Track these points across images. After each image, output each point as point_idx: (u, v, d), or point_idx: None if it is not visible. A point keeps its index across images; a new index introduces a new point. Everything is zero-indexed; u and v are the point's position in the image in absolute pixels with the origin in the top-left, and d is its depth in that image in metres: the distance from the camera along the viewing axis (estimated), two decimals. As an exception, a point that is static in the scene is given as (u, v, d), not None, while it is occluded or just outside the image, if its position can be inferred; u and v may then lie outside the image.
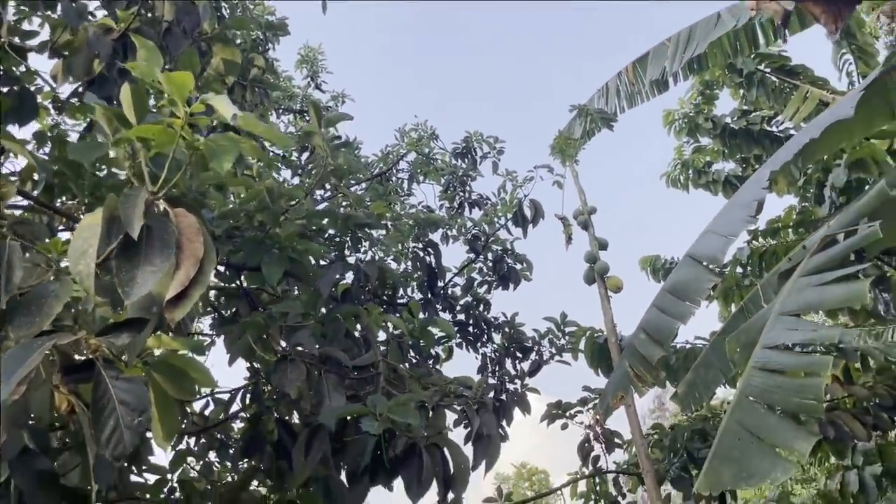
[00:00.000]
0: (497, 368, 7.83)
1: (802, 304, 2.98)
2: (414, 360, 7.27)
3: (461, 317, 8.08)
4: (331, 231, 5.40)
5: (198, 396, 4.82)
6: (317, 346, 3.39)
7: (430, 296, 7.96)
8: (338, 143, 4.27)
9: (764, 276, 6.42)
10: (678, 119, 10.62)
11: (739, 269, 7.40)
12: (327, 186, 6.95)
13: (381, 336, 6.06)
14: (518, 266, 7.76)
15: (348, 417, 3.23)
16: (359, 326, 4.51)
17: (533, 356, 7.82)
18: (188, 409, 4.94)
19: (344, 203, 5.68)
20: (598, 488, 7.16)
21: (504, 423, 7.57)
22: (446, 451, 3.07)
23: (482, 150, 9.65)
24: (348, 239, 5.54)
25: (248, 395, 3.95)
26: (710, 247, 4.03)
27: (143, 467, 3.99)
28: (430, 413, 3.21)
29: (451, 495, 3.00)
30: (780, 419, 2.74)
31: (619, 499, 7.12)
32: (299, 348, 3.42)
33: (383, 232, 8.38)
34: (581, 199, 6.74)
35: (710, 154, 10.71)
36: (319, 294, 3.64)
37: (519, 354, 7.88)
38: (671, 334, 4.30)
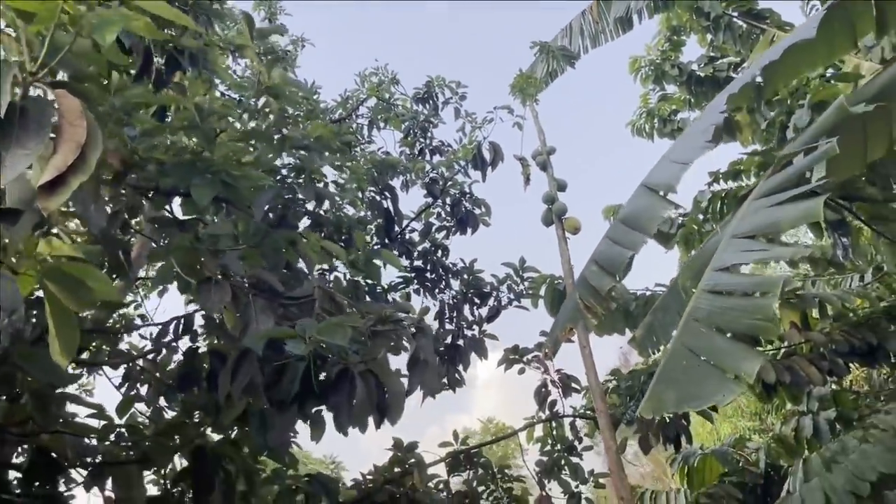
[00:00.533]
0: (455, 315, 7.72)
1: (756, 225, 2.85)
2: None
3: (419, 263, 7.93)
4: (283, 172, 5.15)
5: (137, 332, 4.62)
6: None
7: (387, 241, 7.78)
8: (273, 59, 3.98)
9: (724, 220, 6.33)
10: (644, 66, 10.43)
11: (700, 215, 7.32)
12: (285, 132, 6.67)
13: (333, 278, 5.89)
14: (477, 210, 7.59)
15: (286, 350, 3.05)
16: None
17: (491, 302, 7.71)
18: (131, 350, 4.73)
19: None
20: (554, 433, 7.13)
21: (461, 368, 7.49)
22: (382, 378, 2.91)
23: (444, 95, 9.36)
24: (301, 180, 5.30)
25: (181, 328, 3.75)
26: (665, 174, 3.88)
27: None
28: (367, 341, 3.04)
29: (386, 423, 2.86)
30: (728, 341, 2.62)
31: (576, 443, 7.10)
32: (236, 277, 3.21)
33: (340, 175, 8.14)
34: (540, 138, 6.56)
35: (675, 102, 10.58)
36: (252, 218, 3.43)
37: (477, 300, 7.77)
38: (623, 264, 4.17)
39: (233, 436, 4.19)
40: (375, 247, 7.99)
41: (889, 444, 5.45)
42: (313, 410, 2.94)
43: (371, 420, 3.56)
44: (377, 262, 3.94)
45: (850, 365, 7.98)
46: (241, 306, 2.92)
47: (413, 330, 3.15)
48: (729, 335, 2.62)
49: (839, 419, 8.23)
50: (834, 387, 8.87)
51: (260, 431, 3.10)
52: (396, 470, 7.06)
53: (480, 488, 7.22)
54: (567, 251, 5.91)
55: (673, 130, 10.38)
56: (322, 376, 2.89)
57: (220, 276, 2.91)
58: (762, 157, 6.33)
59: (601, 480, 6.63)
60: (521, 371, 7.15)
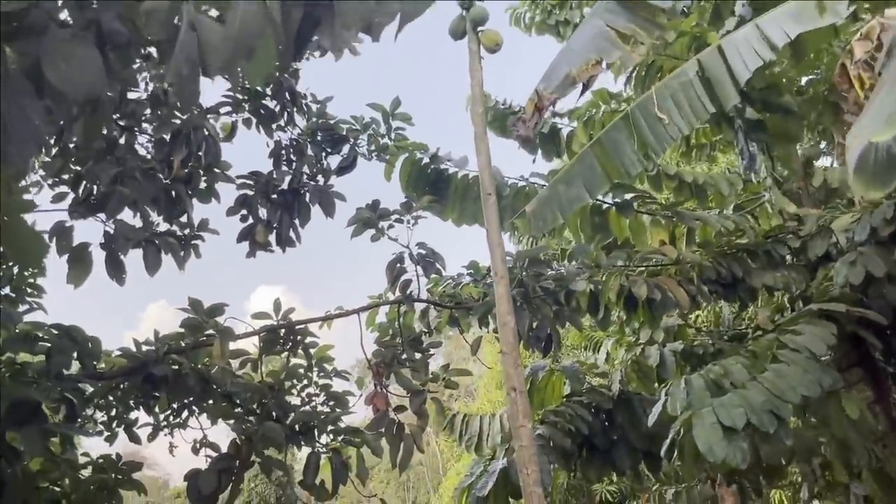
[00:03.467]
0: (296, 158, 5.94)
1: None
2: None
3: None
4: None
5: None
6: None
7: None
8: None
9: (652, 87, 5.20)
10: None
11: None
12: None
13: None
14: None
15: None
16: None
17: (345, 151, 6.04)
18: None
19: None
20: (401, 319, 5.69)
21: (298, 222, 5.77)
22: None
23: None
24: None
25: None
26: None
27: None
28: None
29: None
30: None
31: (424, 336, 5.72)
32: None
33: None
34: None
35: (560, -1, 9.36)
36: None
37: (328, 147, 6.04)
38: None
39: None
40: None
41: (805, 366, 4.68)
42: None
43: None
44: None
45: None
46: None
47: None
48: None
49: (683, 353, 7.71)
50: (679, 322, 8.40)
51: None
52: (186, 342, 5.22)
53: (288, 383, 5.58)
54: (480, 72, 4.42)
55: (558, 23, 9.19)
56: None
57: None
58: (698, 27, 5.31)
59: (454, 379, 5.30)
60: (376, 238, 5.56)
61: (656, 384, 7.29)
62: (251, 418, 5.32)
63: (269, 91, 5.94)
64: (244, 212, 5.56)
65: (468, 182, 7.17)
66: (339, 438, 4.93)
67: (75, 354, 4.55)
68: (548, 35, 9.65)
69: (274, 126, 6.04)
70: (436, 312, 5.95)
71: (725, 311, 7.98)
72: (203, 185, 5.89)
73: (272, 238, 5.67)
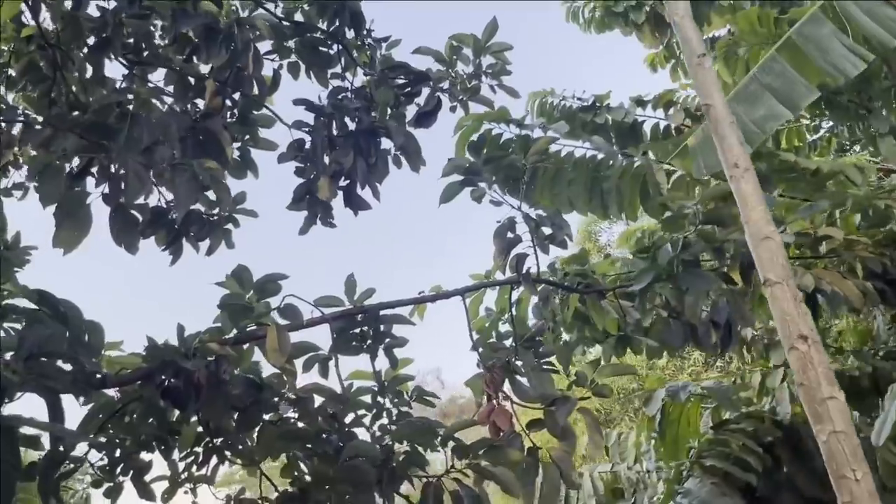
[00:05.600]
0: (364, 102, 4.49)
1: None
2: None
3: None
4: None
5: None
6: None
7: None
8: None
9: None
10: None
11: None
12: None
13: None
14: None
15: None
16: None
17: (425, 93, 4.60)
18: None
19: None
20: (515, 306, 4.07)
21: (374, 176, 4.26)
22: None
23: None
24: None
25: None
26: None
27: None
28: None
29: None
30: None
31: (546, 331, 4.09)
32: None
33: None
34: None
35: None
36: None
37: (401, 90, 4.61)
38: None
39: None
40: None
41: None
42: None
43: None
44: None
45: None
46: None
47: None
48: None
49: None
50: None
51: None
52: (228, 335, 3.57)
53: (353, 414, 3.82)
54: None
55: (627, 9, 8.01)
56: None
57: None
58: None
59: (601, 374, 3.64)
60: (477, 195, 4.00)
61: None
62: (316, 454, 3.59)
63: (322, 24, 4.59)
64: (299, 164, 4.07)
65: (560, 158, 5.75)
66: (464, 463, 3.23)
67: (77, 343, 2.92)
68: (609, 31, 8.47)
69: (329, 73, 4.65)
70: (559, 296, 4.32)
71: (879, 321, 6.42)
72: (236, 153, 4.49)
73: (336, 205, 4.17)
